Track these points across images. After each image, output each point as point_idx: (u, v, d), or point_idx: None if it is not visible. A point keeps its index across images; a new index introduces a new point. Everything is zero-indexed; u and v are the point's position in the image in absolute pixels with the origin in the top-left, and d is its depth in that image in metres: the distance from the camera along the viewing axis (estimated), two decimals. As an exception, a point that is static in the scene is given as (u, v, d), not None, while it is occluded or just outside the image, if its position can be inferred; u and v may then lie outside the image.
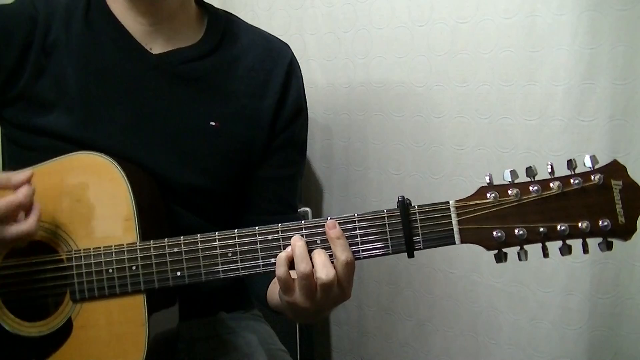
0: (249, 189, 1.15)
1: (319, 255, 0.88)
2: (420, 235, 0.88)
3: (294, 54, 1.18)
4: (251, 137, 1.11)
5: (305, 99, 1.19)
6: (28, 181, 0.88)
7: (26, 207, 0.88)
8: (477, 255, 1.58)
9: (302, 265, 0.87)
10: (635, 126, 1.35)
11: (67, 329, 0.94)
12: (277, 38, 1.19)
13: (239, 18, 1.19)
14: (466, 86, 1.56)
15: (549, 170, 0.85)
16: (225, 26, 1.14)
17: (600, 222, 0.84)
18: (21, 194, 0.87)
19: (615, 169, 0.85)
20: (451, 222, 0.87)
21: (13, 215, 0.87)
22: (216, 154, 1.09)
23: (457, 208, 0.87)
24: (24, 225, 0.87)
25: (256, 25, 1.20)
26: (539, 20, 1.42)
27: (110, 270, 0.93)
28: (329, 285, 0.87)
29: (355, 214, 0.90)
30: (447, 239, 0.88)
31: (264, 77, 1.12)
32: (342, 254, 0.88)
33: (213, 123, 1.08)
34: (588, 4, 1.34)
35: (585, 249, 0.86)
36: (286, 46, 1.18)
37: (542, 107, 1.45)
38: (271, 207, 1.15)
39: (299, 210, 1.30)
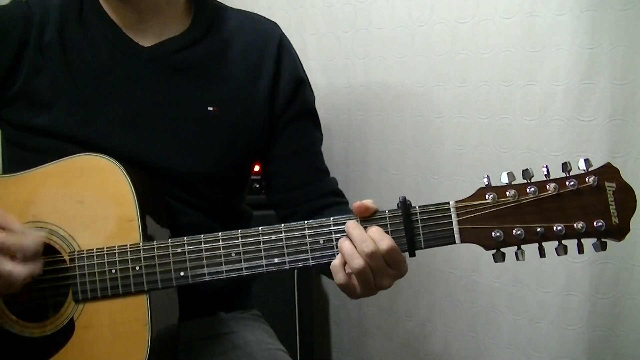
0: (277, 168, 1.16)
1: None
2: (421, 234, 0.89)
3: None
4: (250, 119, 1.12)
5: (304, 70, 1.19)
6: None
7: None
8: (477, 255, 1.58)
9: (356, 262, 0.87)
10: (634, 126, 1.36)
11: (69, 329, 0.94)
12: (264, 17, 1.20)
13: (224, 4, 1.20)
14: (466, 86, 1.56)
15: (545, 172, 0.86)
16: (212, 12, 1.15)
17: (595, 223, 0.85)
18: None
19: (608, 171, 0.86)
20: (451, 222, 0.88)
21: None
22: (217, 139, 1.09)
23: (457, 208, 0.88)
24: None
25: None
26: (539, 20, 1.42)
27: (113, 271, 0.93)
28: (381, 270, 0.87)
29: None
30: (447, 239, 0.89)
31: (256, 57, 1.13)
32: (383, 242, 0.87)
33: (211, 108, 1.09)
34: (588, 4, 1.35)
35: (581, 249, 0.88)
36: (274, 24, 1.19)
37: (542, 107, 1.45)
38: (304, 179, 1.15)
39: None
